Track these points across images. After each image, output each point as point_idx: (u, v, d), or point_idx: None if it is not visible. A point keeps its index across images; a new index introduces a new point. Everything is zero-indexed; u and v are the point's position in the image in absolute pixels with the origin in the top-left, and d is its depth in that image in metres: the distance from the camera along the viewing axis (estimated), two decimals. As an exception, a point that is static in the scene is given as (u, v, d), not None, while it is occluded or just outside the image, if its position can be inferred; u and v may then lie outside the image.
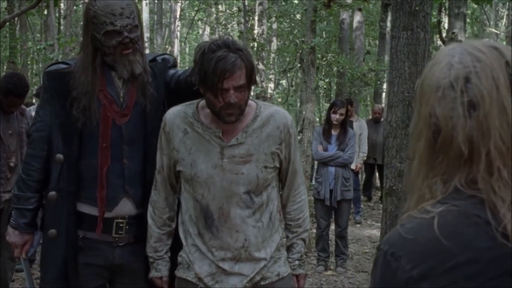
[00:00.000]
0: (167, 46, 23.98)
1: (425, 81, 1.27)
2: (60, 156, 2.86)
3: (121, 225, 2.89)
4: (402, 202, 5.26)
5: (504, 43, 13.75)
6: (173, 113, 2.76)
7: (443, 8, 12.99)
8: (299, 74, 19.53)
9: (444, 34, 12.07)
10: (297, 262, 2.88)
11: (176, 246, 2.85)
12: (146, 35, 18.37)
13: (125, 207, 2.89)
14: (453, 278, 1.13)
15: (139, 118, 2.91)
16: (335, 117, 7.30)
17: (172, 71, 3.04)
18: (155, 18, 25.25)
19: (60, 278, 2.86)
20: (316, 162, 8.83)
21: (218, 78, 2.46)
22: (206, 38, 25.33)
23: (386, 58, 17.56)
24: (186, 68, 3.12)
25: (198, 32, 30.99)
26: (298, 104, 24.01)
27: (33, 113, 7.31)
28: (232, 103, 2.52)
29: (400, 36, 5.17)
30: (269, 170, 2.72)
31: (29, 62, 20.91)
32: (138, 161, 2.91)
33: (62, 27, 16.48)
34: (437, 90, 1.23)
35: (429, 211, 1.19)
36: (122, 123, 2.88)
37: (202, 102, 2.72)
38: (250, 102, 2.69)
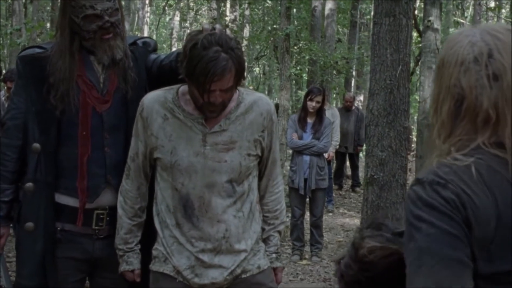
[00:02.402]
0: (136, 33, 23.68)
1: (446, 58, 1.46)
2: (36, 145, 2.71)
3: (101, 216, 2.78)
4: (383, 191, 5.21)
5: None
6: (152, 97, 2.65)
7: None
8: (270, 62, 19.44)
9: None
10: (274, 255, 2.82)
11: (146, 239, 2.75)
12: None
13: (107, 197, 2.78)
14: (485, 217, 1.32)
15: (120, 105, 2.78)
16: (312, 104, 7.23)
17: (153, 56, 2.92)
18: (123, 4, 24.88)
19: (38, 273, 2.73)
20: (290, 151, 8.75)
21: (206, 80, 2.38)
22: (176, 24, 25.09)
23: (356, 46, 17.62)
24: (167, 53, 2.97)
25: (169, 19, 30.61)
26: (266, 92, 23.94)
27: (2, 98, 7.13)
28: (216, 104, 2.47)
29: (382, 23, 5.10)
30: (252, 158, 2.65)
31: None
32: (120, 150, 2.78)
33: (28, 12, 16.12)
34: (462, 64, 1.42)
35: (461, 159, 1.37)
36: (102, 110, 2.75)
37: (183, 88, 2.62)
38: None
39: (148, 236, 2.74)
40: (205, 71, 2.35)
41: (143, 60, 2.88)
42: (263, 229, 2.81)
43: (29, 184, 2.72)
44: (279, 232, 2.85)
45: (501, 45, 1.41)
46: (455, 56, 1.44)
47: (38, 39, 11.82)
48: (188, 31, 24.95)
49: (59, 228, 2.75)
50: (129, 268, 2.73)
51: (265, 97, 2.78)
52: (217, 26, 2.49)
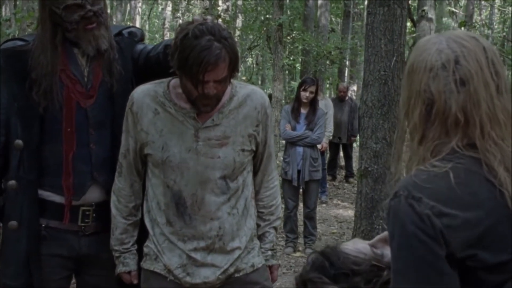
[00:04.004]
0: (128, 23, 23.54)
1: (416, 64, 1.55)
2: (19, 142, 2.61)
3: (87, 213, 2.69)
4: (377, 184, 5.15)
5: (463, 28, 13.77)
6: (142, 91, 2.56)
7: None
8: (263, 52, 19.37)
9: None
10: (269, 253, 2.76)
11: (140, 237, 2.68)
12: (106, 10, 17.91)
13: (94, 194, 2.70)
14: (465, 219, 1.40)
15: (106, 99, 2.69)
16: (305, 95, 7.16)
17: (140, 46, 2.82)
18: (116, -6, 24.74)
19: (22, 273, 2.64)
20: (283, 141, 8.69)
21: (199, 70, 2.28)
22: (168, 14, 24.94)
23: (350, 36, 17.55)
24: (154, 44, 2.88)
25: (161, 9, 30.45)
26: (260, 82, 23.88)
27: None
28: (211, 95, 2.37)
29: (376, 12, 5.03)
30: (246, 153, 2.58)
31: (-16, 38, 20.31)
32: (106, 146, 2.70)
33: (18, 2, 15.96)
34: (430, 70, 1.51)
35: (439, 165, 1.46)
36: (87, 105, 2.66)
37: (174, 81, 2.54)
38: None
39: (140, 233, 2.67)
40: (198, 60, 2.26)
41: (129, 51, 2.78)
42: (258, 225, 2.74)
43: (12, 182, 2.63)
44: (275, 228, 2.78)
45: (467, 51, 1.51)
46: (424, 62, 1.53)
47: (29, 30, 11.68)
48: (180, 21, 24.85)
49: (43, 225, 2.67)
50: (126, 269, 2.66)
51: (259, 90, 2.70)
52: (208, 17, 2.40)
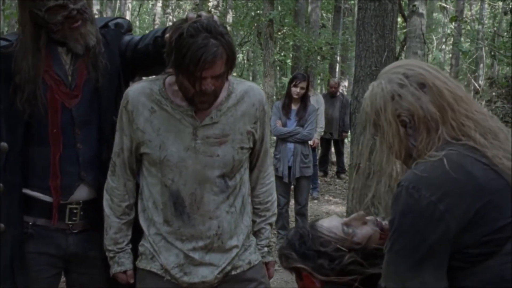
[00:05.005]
0: (118, 19, 23.42)
1: (377, 106, 1.78)
2: (4, 144, 2.56)
3: (75, 211, 2.66)
4: (369, 180, 5.13)
5: (454, 23, 13.74)
6: (137, 89, 2.51)
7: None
8: (254, 48, 19.33)
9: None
10: (266, 249, 2.75)
11: (134, 236, 2.65)
12: (96, 7, 17.81)
13: (81, 193, 2.66)
14: (462, 199, 1.60)
15: (91, 96, 2.64)
16: (296, 90, 7.13)
17: (127, 38, 2.77)
18: (106, -10, 24.62)
19: (8, 277, 2.59)
20: (274, 138, 8.66)
21: (197, 68, 2.24)
22: (159, 10, 24.84)
23: (341, 32, 17.53)
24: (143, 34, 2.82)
25: (151, 5, 30.34)
26: (251, 78, 23.84)
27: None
28: (208, 91, 2.33)
29: (367, 7, 5.00)
30: (245, 151, 2.55)
31: (-28, 35, 20.12)
32: (93, 144, 2.66)
33: (7, -2, 15.83)
34: (392, 98, 1.76)
35: (435, 155, 1.68)
36: (72, 106, 2.61)
37: (169, 79, 2.49)
38: None
39: (134, 232, 2.64)
40: (195, 59, 2.22)
41: (116, 44, 2.72)
42: (253, 222, 2.72)
43: None
44: (271, 224, 2.77)
45: (406, 66, 1.82)
46: (382, 99, 1.78)
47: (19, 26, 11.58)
48: (171, 17, 24.77)
49: (30, 223, 2.63)
50: (121, 269, 2.62)
51: (256, 86, 2.66)
52: (203, 13, 2.35)
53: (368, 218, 2.04)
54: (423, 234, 1.61)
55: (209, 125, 2.46)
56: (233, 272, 2.57)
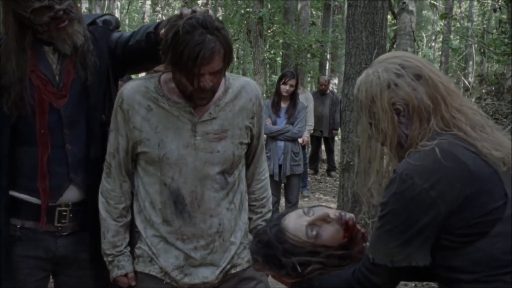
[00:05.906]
0: (107, 17, 23.32)
1: (371, 94, 1.83)
2: None
3: (64, 213, 2.61)
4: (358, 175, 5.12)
5: (443, 21, 13.77)
6: (131, 88, 2.47)
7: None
8: (244, 46, 19.29)
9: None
10: None
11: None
12: (85, 5, 17.72)
13: (70, 194, 2.61)
14: (453, 185, 1.69)
15: (80, 95, 2.59)
16: (285, 88, 7.13)
17: (116, 35, 2.71)
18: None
19: None
20: (265, 136, 8.63)
21: (195, 64, 2.21)
22: (148, 8, 24.75)
23: (330, 29, 17.53)
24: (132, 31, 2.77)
25: (140, 3, 30.23)
26: (241, 76, 23.77)
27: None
28: (207, 88, 2.30)
29: (357, 5, 4.98)
30: (244, 146, 2.53)
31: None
32: (82, 144, 2.61)
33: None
34: (388, 87, 1.82)
35: (427, 144, 1.75)
36: (60, 106, 2.56)
37: (164, 76, 2.47)
38: None
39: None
40: (193, 55, 2.19)
41: (104, 41, 2.67)
42: (250, 219, 2.70)
43: None
44: (266, 221, 2.71)
45: (402, 57, 1.88)
46: (378, 86, 1.83)
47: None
48: (160, 15, 24.68)
49: (18, 226, 2.58)
50: (122, 272, 2.56)
51: (252, 81, 2.65)
52: (197, 8, 2.31)
53: (331, 215, 2.02)
54: (415, 217, 1.71)
55: (208, 121, 2.44)
56: (233, 271, 2.56)
